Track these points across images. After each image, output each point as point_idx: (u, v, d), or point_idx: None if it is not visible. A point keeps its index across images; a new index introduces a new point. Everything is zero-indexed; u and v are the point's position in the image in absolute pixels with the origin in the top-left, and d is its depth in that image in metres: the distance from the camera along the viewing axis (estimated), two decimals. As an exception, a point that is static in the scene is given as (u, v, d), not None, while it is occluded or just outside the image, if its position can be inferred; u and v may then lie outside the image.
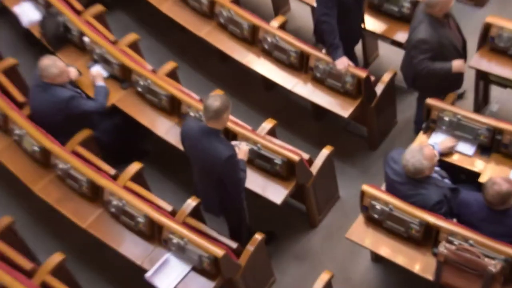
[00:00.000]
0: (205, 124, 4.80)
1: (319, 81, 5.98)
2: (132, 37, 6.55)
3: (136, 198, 5.32)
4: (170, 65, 6.32)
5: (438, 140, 5.36)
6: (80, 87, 6.09)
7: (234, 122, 5.70)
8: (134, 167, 5.68)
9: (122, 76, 6.24)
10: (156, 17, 7.12)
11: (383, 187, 5.15)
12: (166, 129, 5.96)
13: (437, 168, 5.00)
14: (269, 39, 6.14)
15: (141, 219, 5.20)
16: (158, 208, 5.30)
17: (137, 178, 5.67)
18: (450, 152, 5.32)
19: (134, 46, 6.52)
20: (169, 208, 5.37)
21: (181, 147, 5.80)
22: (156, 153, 6.50)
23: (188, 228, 5.13)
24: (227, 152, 4.74)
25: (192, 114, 5.75)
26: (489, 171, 5.16)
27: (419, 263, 4.81)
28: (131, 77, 6.15)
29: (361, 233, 5.08)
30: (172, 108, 5.99)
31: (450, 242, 4.64)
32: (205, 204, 5.30)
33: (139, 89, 6.10)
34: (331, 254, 5.76)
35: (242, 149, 5.12)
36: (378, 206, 4.95)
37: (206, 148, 4.78)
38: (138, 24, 7.58)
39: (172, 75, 6.31)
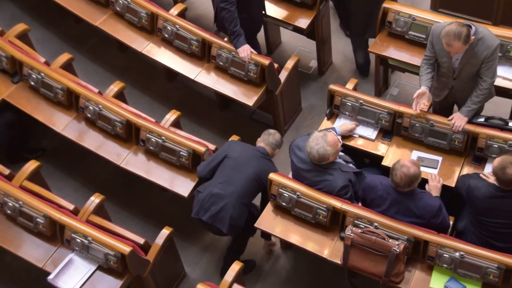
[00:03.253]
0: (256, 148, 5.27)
1: (223, 70, 6.01)
2: (20, 27, 6.35)
3: (34, 198, 5.22)
4: (64, 57, 6.19)
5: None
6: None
7: (136, 115, 5.68)
8: (31, 165, 5.56)
9: (12, 70, 6.05)
10: (47, 6, 6.96)
11: (290, 174, 5.29)
12: (64, 125, 5.86)
13: (341, 153, 5.17)
14: (169, 28, 6.11)
15: (40, 220, 5.12)
16: (59, 207, 5.23)
17: (35, 177, 5.56)
18: (351, 134, 5.50)
19: (23, 37, 6.32)
20: (70, 206, 5.31)
21: (81, 143, 5.74)
22: (54, 149, 6.40)
23: (92, 226, 5.09)
24: (272, 174, 5.11)
25: (91, 107, 5.69)
26: (391, 154, 5.38)
27: (328, 248, 4.98)
28: (22, 70, 5.98)
29: (270, 222, 5.19)
30: (69, 102, 5.90)
31: (356, 226, 4.85)
32: (216, 216, 5.11)
33: (32, 83, 5.95)
34: (241, 244, 5.86)
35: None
36: (286, 194, 5.07)
37: (257, 162, 5.16)
38: (27, 13, 7.36)
39: (68, 67, 6.19)
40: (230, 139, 5.47)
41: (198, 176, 5.37)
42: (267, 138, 5.27)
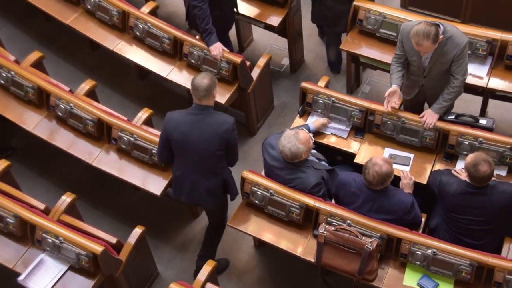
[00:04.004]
0: (197, 104, 4.87)
1: (195, 68, 5.93)
2: (-11, 26, 6.33)
3: (4, 198, 5.12)
4: (35, 55, 6.09)
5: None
6: None
7: (108, 113, 5.61)
8: (0, 165, 5.46)
9: (-19, 69, 5.96)
10: (17, 4, 6.86)
11: (263, 172, 5.24)
12: (34, 123, 5.76)
13: (313, 151, 5.14)
14: (140, 26, 6.06)
15: (11, 220, 5.03)
16: (30, 207, 5.13)
17: (5, 176, 5.46)
18: (324, 130, 5.49)
19: (-8, 36, 6.29)
20: (41, 206, 5.22)
21: (53, 141, 5.63)
22: (24, 149, 6.29)
23: (63, 226, 5.00)
24: (230, 119, 4.89)
25: (62, 106, 5.59)
26: (363, 151, 5.36)
27: (301, 246, 4.94)
28: (-9, 69, 5.89)
29: (243, 220, 5.14)
30: (40, 100, 5.79)
31: (329, 223, 4.81)
32: (192, 195, 5.08)
33: (2, 82, 5.84)
34: (214, 242, 5.81)
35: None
36: (259, 192, 5.03)
37: (208, 124, 4.84)
38: (-5, 12, 7.32)
39: (38, 65, 6.09)
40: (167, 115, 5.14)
41: (160, 163, 5.31)
42: (197, 92, 4.82)
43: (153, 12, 6.27)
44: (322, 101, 5.53)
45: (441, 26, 4.97)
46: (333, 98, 5.50)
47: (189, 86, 5.70)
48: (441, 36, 4.93)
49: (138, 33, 6.11)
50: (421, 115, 5.26)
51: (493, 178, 4.64)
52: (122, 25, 6.20)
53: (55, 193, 5.80)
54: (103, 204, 6.02)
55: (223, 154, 4.96)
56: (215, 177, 5.02)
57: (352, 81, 6.48)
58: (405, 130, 5.28)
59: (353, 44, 6.00)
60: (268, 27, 6.36)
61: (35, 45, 6.89)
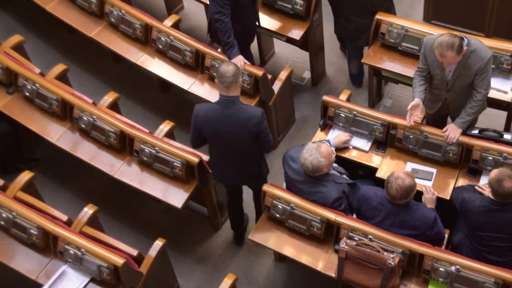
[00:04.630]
0: (224, 96, 4.86)
1: None
2: (16, 38, 6.29)
3: (28, 209, 5.12)
4: (59, 68, 6.11)
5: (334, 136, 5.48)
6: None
7: (130, 125, 5.61)
8: (25, 176, 5.46)
9: (7, 81, 5.97)
10: (42, 16, 6.87)
11: (284, 186, 5.18)
12: (58, 135, 5.77)
13: (335, 165, 5.08)
14: (163, 39, 6.05)
15: (34, 231, 5.02)
16: (52, 218, 5.12)
17: (28, 188, 5.46)
18: (345, 146, 5.43)
19: (19, 48, 6.26)
20: (64, 217, 5.20)
21: (75, 153, 5.64)
22: (48, 160, 6.31)
23: (85, 237, 4.98)
24: (258, 112, 4.90)
25: (85, 118, 5.61)
26: (385, 165, 5.28)
27: (322, 261, 4.87)
28: (17, 81, 5.90)
29: (264, 234, 5.08)
30: (64, 112, 5.80)
31: (351, 238, 4.74)
32: (238, 177, 5.23)
33: (27, 94, 5.86)
34: (235, 256, 5.74)
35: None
36: (280, 206, 4.97)
37: (236, 119, 4.86)
38: (22, 24, 7.30)
39: (62, 78, 6.12)
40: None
41: (194, 148, 5.32)
42: (225, 80, 4.79)
43: (175, 25, 6.26)
44: (343, 115, 5.47)
45: (465, 39, 4.91)
46: (354, 112, 5.45)
47: (211, 98, 5.84)
48: (465, 48, 4.86)
49: (160, 46, 6.10)
50: (444, 129, 5.18)
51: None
52: (145, 38, 6.19)
53: (77, 204, 5.79)
54: (124, 216, 6.00)
55: (255, 142, 5.01)
56: (249, 160, 5.08)
57: (374, 95, 6.42)
58: (427, 145, 5.20)
59: (375, 58, 5.96)
60: (290, 40, 6.34)
61: (60, 58, 6.92)
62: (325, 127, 5.61)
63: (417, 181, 4.84)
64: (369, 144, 5.45)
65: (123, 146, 5.61)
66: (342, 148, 5.44)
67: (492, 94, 5.34)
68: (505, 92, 5.51)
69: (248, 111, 4.91)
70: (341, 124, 5.51)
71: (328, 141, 5.33)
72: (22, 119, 5.88)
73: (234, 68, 4.84)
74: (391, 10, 6.04)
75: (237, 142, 4.97)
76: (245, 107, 4.93)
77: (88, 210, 5.24)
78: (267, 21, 6.32)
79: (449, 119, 5.53)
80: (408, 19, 6.04)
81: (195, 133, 5.06)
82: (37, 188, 5.68)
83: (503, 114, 5.81)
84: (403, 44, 5.78)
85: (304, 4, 6.13)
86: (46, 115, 5.87)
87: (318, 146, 4.80)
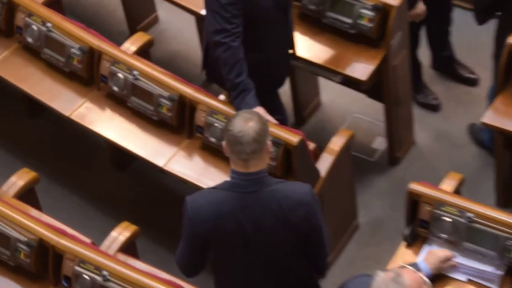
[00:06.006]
0: (242, 173, 4.42)
1: (216, 152, 5.16)
2: None
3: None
4: None
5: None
6: None
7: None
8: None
9: None
10: None
11: None
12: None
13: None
14: (120, 75, 5.30)
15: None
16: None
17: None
18: (451, 271, 4.88)
19: None
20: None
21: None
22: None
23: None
24: (305, 187, 4.62)
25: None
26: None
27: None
28: None
29: None
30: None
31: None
32: None
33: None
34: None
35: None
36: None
37: (270, 205, 4.48)
38: None
39: None
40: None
41: (188, 276, 4.86)
42: (243, 148, 4.46)
43: (143, 51, 5.57)
44: (449, 219, 4.80)
45: None
46: (470, 214, 4.76)
47: (202, 184, 5.29)
48: None
49: (116, 89, 5.38)
50: None
51: None
52: (87, 74, 5.49)
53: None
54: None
55: (301, 253, 4.58)
56: None
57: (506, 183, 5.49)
58: None
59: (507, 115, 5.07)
60: (349, 82, 5.54)
61: None
62: (414, 240, 4.94)
63: None
64: (499, 274, 4.67)
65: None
66: (446, 278, 4.77)
67: None
68: None
69: (292, 189, 4.49)
70: (444, 235, 4.82)
71: (416, 265, 4.66)
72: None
73: (257, 124, 4.26)
74: None
75: (271, 253, 4.49)
76: (282, 186, 4.44)
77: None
78: (308, 47, 5.55)
79: None
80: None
81: (194, 249, 4.48)
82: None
83: None
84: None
85: (376, 18, 5.22)
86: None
87: (398, 276, 4.09)
